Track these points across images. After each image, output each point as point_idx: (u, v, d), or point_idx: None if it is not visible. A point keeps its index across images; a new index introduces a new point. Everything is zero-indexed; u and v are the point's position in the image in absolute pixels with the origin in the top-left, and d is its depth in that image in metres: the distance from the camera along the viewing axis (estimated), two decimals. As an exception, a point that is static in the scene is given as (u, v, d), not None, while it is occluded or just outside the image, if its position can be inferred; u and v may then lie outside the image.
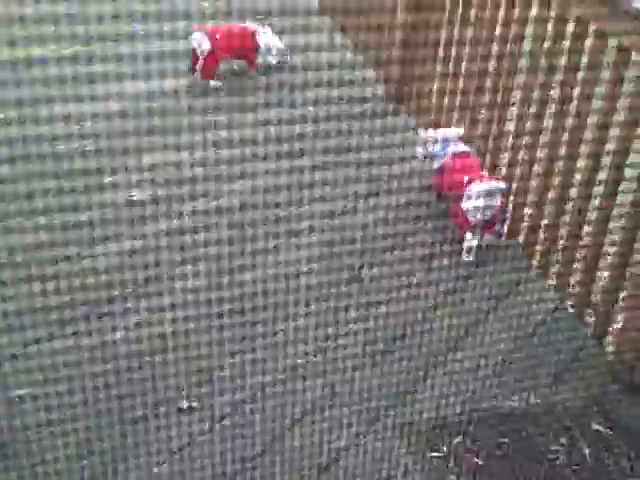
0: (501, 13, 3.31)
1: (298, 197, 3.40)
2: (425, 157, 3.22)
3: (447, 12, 3.69)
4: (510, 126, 3.26)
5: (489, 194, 2.88)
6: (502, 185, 2.99)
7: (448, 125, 3.48)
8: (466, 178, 2.99)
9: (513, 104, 3.26)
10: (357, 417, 2.50)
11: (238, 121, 3.57)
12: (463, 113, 3.52)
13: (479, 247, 3.06)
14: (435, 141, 3.19)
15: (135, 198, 3.40)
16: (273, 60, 4.69)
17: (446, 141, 3.21)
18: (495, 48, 3.32)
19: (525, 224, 3.26)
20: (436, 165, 3.24)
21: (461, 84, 3.59)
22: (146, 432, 2.40)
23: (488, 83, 3.37)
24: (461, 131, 3.27)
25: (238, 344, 2.71)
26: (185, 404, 2.48)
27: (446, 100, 3.70)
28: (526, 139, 3.13)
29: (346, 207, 3.42)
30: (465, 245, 3.03)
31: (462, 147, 3.21)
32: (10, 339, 2.66)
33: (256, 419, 2.47)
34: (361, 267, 3.11)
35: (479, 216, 2.91)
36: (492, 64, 3.33)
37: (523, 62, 3.16)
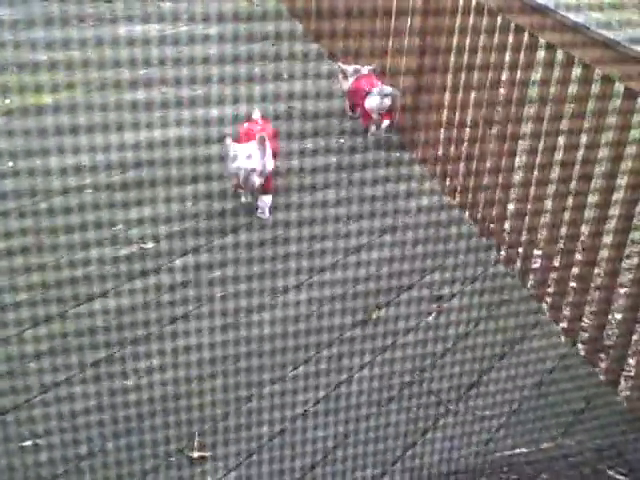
0: None
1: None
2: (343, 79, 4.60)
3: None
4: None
5: (382, 95, 4.24)
6: (390, 89, 4.25)
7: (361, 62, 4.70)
8: (367, 88, 4.31)
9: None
10: (371, 461, 2.47)
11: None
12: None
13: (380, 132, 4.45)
14: (351, 71, 4.51)
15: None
16: None
17: (358, 71, 4.49)
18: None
19: (535, 266, 3.28)
20: (350, 85, 4.52)
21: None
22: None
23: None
24: (370, 67, 4.51)
25: (247, 391, 2.71)
26: (196, 454, 2.45)
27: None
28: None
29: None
30: (370, 131, 4.47)
31: (366, 71, 4.46)
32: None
33: (268, 468, 2.44)
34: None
35: (376, 111, 4.31)
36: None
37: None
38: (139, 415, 2.58)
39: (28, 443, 2.45)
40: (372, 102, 4.28)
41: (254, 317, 3.06)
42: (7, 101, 4.73)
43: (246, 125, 3.77)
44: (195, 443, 2.48)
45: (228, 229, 3.61)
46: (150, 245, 3.43)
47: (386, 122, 4.34)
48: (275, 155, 3.66)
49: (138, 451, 2.45)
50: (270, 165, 3.55)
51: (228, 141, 3.39)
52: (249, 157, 3.38)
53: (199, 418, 2.59)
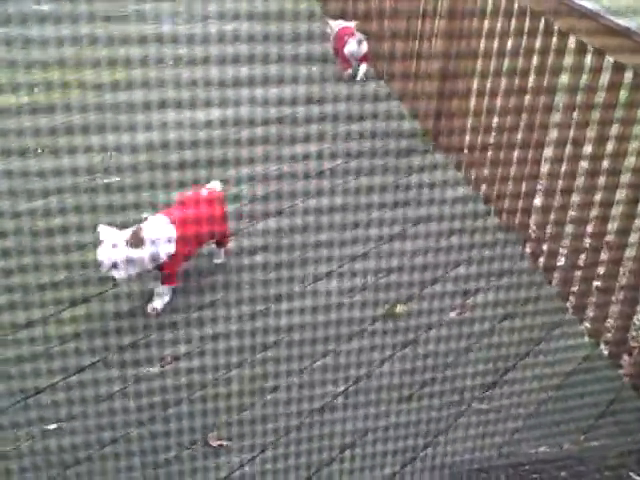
0: None
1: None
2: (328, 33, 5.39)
3: None
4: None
5: (359, 42, 5.07)
6: (363, 35, 5.07)
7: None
8: (346, 37, 5.09)
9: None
10: (390, 459, 2.46)
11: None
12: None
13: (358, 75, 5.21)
14: (335, 25, 5.33)
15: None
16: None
17: (341, 25, 5.27)
18: None
19: (560, 268, 3.25)
20: (334, 35, 5.30)
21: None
22: (175, 469, 2.38)
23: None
24: (353, 23, 5.24)
25: (271, 381, 2.71)
26: (216, 442, 2.46)
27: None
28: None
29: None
30: (346, 74, 5.22)
31: (347, 24, 5.24)
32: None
33: (285, 461, 2.44)
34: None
35: (355, 54, 5.13)
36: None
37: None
38: (163, 403, 2.60)
39: (52, 426, 2.48)
40: (350, 48, 5.10)
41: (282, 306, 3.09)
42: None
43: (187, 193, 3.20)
44: (215, 432, 2.49)
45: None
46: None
47: (364, 66, 5.19)
48: (219, 220, 3.18)
49: (160, 438, 2.47)
50: (166, 250, 2.92)
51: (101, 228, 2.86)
52: (115, 246, 2.80)
53: (220, 407, 2.59)
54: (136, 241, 2.81)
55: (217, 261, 3.30)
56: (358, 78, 5.19)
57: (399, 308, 3.08)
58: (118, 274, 2.82)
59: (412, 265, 3.38)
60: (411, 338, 2.95)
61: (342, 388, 2.70)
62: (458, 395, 2.71)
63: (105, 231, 2.83)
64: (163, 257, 2.90)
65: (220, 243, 3.27)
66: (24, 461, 2.36)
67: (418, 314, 3.08)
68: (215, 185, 3.24)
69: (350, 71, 5.22)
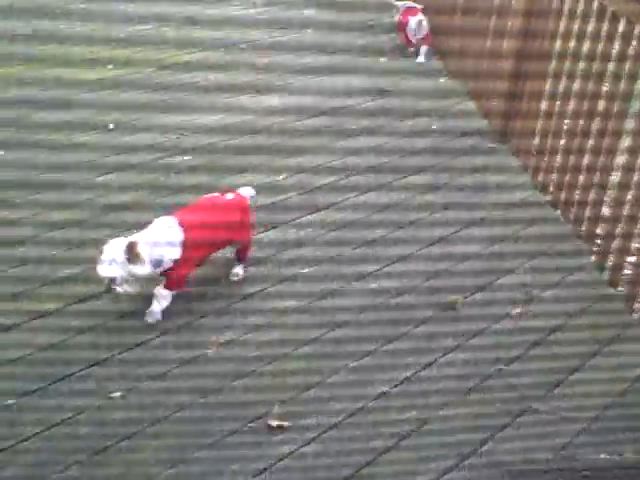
0: None
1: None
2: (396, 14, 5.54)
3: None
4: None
5: (419, 22, 5.20)
6: (424, 17, 5.24)
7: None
8: (409, 17, 5.28)
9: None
10: (447, 450, 2.45)
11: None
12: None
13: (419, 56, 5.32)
14: (401, 5, 5.49)
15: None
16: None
17: (406, 5, 5.45)
18: None
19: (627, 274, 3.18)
20: (400, 15, 5.45)
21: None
22: (233, 448, 2.41)
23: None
24: (419, 6, 5.44)
25: (332, 362, 2.73)
26: (275, 422, 2.47)
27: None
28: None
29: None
30: (409, 50, 5.36)
31: (413, 5, 5.45)
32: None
33: (342, 445, 2.45)
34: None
35: (416, 35, 5.25)
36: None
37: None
38: (224, 377, 2.63)
39: (116, 394, 2.53)
40: (410, 27, 5.26)
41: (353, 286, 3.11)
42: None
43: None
44: (275, 412, 2.50)
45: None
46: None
47: (424, 48, 5.29)
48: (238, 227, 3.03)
49: (220, 412, 2.50)
50: (170, 255, 2.79)
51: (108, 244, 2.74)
52: (112, 262, 2.71)
53: (282, 387, 2.61)
54: (133, 257, 2.68)
55: (234, 278, 3.10)
56: (418, 60, 5.29)
57: (460, 300, 3.07)
58: (120, 289, 2.75)
59: (486, 253, 3.38)
60: (475, 329, 2.92)
61: (405, 375, 2.70)
62: (518, 393, 2.67)
63: (109, 245, 2.71)
64: (167, 262, 2.77)
65: (239, 256, 3.10)
66: (90, 428, 2.43)
67: (483, 305, 3.05)
68: (246, 191, 3.10)
69: (412, 49, 5.37)
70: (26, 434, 2.36)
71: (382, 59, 5.25)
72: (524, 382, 2.72)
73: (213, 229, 2.87)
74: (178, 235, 2.78)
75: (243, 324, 2.88)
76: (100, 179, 3.67)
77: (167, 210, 2.97)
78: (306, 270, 3.17)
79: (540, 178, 3.89)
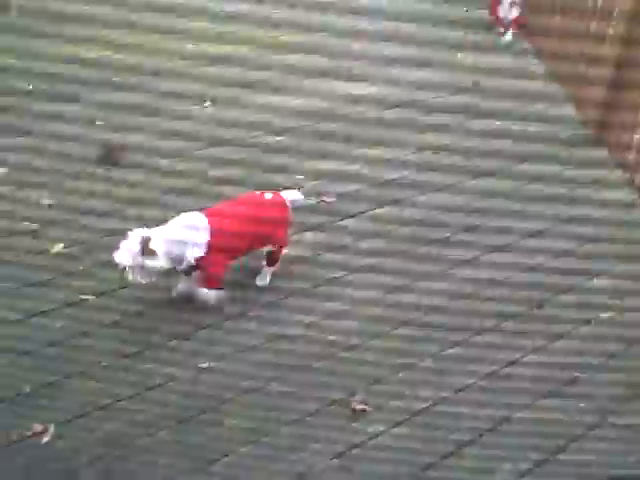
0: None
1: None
2: None
3: None
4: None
5: (510, 5, 5.42)
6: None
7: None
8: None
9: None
10: (524, 453, 2.46)
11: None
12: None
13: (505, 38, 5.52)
14: None
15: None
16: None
17: None
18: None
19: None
20: None
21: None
22: (315, 427, 2.47)
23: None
24: None
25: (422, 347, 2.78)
26: (358, 406, 2.53)
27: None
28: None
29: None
30: (499, 32, 5.52)
31: None
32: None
33: (423, 433, 2.48)
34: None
35: (507, 17, 5.45)
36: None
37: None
38: (309, 357, 2.70)
39: (205, 365, 2.63)
40: (502, 10, 5.45)
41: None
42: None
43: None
44: (358, 396, 2.56)
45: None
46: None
47: (510, 32, 5.47)
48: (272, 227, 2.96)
49: (303, 391, 2.56)
50: (193, 253, 2.78)
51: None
52: (127, 251, 2.73)
53: (367, 372, 2.66)
54: (147, 250, 2.70)
55: (260, 283, 3.03)
56: (503, 41, 5.48)
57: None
58: (132, 277, 2.76)
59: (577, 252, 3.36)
60: (561, 332, 2.92)
61: (487, 370, 2.73)
62: (596, 403, 2.65)
63: (131, 234, 2.73)
64: (189, 259, 2.76)
65: (269, 260, 3.02)
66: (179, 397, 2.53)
67: (571, 307, 3.05)
68: (290, 194, 3.05)
69: (502, 30, 5.55)
70: (123, 395, 2.48)
71: (471, 56, 5.05)
72: (602, 393, 2.70)
73: (244, 227, 2.84)
74: (203, 234, 2.76)
75: (323, 310, 2.94)
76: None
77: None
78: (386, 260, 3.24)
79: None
